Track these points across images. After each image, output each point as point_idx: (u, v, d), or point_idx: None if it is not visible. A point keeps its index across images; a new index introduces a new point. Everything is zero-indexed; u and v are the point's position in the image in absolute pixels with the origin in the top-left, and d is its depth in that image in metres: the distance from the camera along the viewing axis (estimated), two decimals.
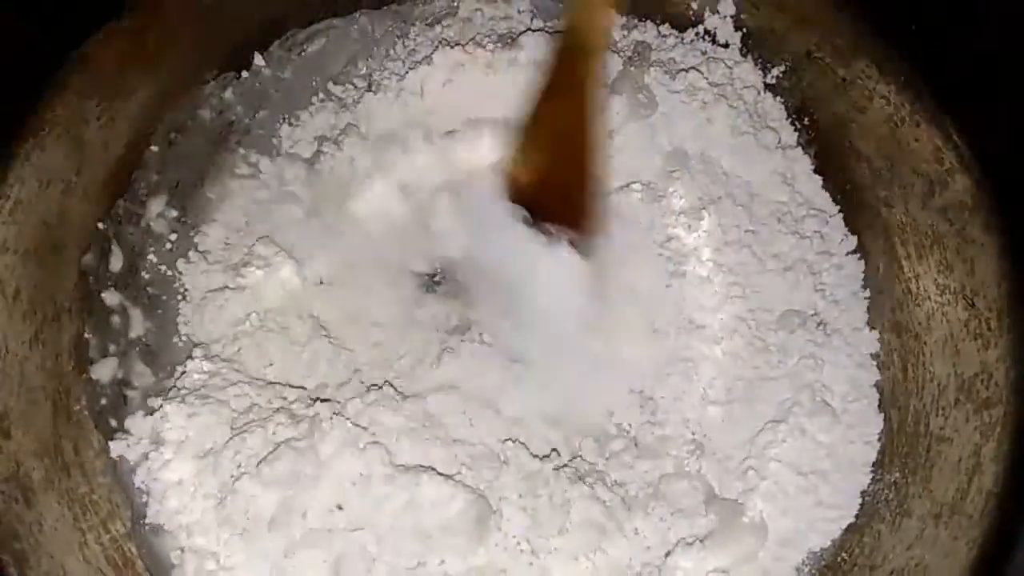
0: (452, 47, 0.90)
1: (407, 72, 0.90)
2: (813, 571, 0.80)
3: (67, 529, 0.73)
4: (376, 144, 0.89)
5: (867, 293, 0.87)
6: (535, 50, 0.89)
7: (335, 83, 0.92)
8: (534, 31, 0.91)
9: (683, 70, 0.90)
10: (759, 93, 0.91)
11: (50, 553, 0.72)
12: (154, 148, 0.87)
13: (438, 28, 0.93)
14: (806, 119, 0.90)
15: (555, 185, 0.82)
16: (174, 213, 0.88)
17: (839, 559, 0.78)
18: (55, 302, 0.80)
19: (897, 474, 0.78)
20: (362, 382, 0.82)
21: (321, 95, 0.92)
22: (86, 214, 0.83)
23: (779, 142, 0.89)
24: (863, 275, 0.87)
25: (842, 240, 0.88)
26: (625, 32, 0.93)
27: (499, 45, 0.90)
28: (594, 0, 0.81)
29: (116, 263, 0.85)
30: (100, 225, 0.84)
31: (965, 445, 0.75)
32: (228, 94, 0.91)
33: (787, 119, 0.91)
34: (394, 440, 0.78)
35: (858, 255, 0.87)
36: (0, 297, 0.75)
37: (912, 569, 0.73)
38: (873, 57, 0.86)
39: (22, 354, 0.76)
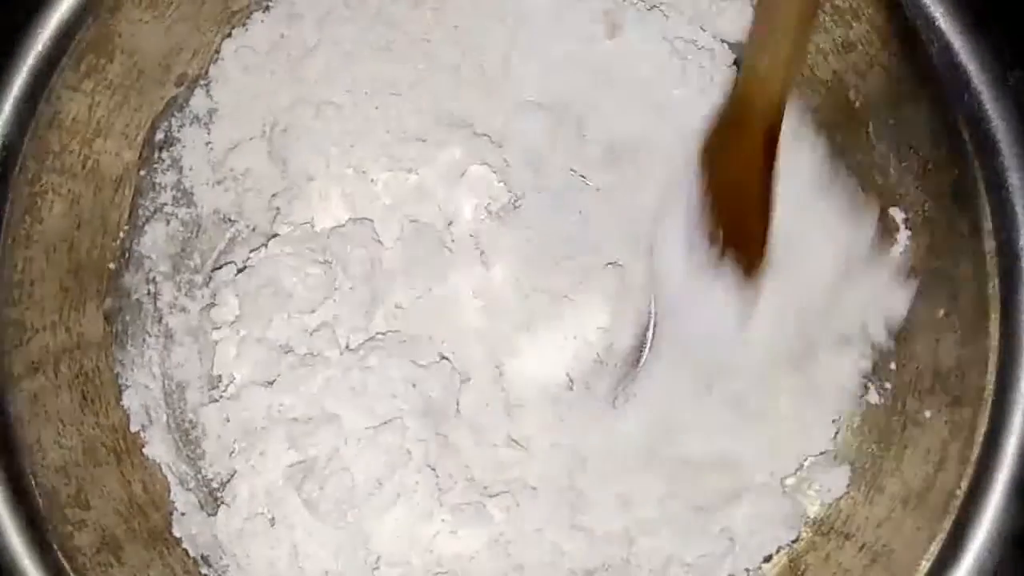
0: None
1: None
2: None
3: (157, 571, 0.83)
4: None
5: None
6: None
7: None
8: None
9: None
10: None
11: None
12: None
13: None
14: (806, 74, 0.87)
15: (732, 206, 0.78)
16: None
17: (821, 517, 0.87)
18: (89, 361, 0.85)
19: (874, 445, 0.85)
20: None
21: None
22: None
23: None
24: None
25: None
26: None
27: None
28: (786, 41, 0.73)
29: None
30: (112, 266, 0.87)
31: (934, 437, 0.79)
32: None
33: None
34: None
35: None
36: (49, 373, 0.81)
37: (880, 549, 0.80)
38: (874, 23, 0.82)
39: (76, 420, 0.82)
